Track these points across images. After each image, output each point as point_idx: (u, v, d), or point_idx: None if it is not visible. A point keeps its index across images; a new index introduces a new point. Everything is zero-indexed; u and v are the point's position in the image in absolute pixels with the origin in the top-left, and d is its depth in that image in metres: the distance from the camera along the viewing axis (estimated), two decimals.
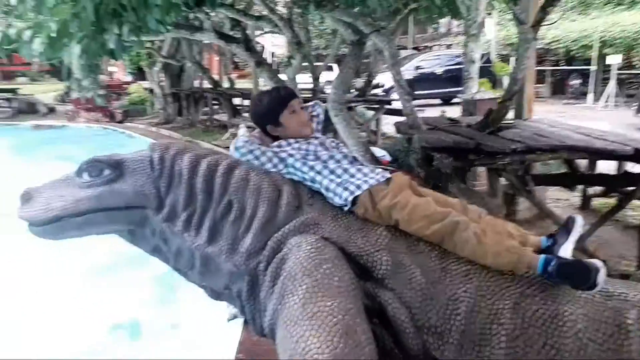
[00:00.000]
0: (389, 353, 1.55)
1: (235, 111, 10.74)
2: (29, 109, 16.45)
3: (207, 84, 12.77)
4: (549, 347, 1.42)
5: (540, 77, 16.04)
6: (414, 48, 21.07)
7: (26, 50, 3.74)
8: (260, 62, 5.43)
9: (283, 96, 1.90)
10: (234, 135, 8.25)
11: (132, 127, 12.88)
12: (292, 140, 1.84)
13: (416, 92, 14.89)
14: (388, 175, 1.74)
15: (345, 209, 1.68)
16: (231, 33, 5.84)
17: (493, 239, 1.56)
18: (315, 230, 1.63)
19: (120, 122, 13.86)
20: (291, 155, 1.78)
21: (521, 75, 3.26)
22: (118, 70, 20.59)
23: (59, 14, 3.33)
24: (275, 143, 1.85)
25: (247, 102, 10.32)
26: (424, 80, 15.21)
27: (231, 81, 12.87)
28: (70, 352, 3.07)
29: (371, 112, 8.72)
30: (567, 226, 1.65)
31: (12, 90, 17.37)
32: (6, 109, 16.42)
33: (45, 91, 19.07)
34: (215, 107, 12.42)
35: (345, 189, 1.67)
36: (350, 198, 1.65)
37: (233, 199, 1.74)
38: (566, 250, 1.57)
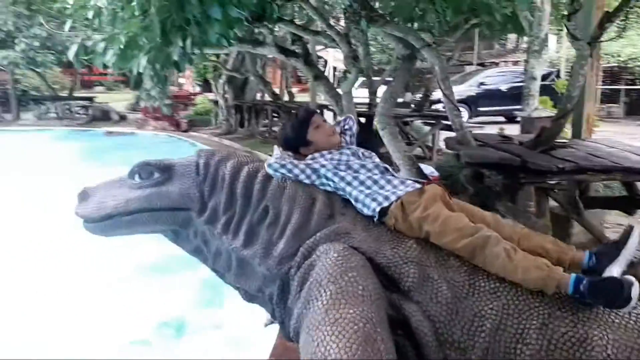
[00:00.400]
0: None
1: None
2: (103, 116, 17.63)
3: (268, 97, 13.11)
4: None
5: (614, 97, 15.29)
6: (479, 64, 20.58)
7: (99, 61, 4.06)
8: (318, 76, 5.54)
9: (303, 117, 1.98)
10: None
11: (196, 136, 13.40)
12: (325, 152, 1.88)
13: (479, 109, 14.62)
14: (418, 185, 1.75)
15: (374, 220, 1.70)
16: (292, 47, 5.99)
17: (523, 255, 1.53)
18: (346, 239, 1.65)
19: (185, 131, 14.43)
20: (323, 166, 1.82)
21: (575, 93, 3.14)
22: (186, 82, 21.59)
23: (129, 27, 3.61)
24: (309, 156, 1.90)
25: None
26: (488, 96, 14.77)
27: (291, 94, 13.16)
28: (116, 345, 3.24)
29: (428, 128, 8.62)
30: (618, 243, 1.57)
31: (89, 99, 18.70)
32: (82, 115, 17.76)
33: (119, 100, 20.27)
34: (275, 119, 12.71)
35: (374, 200, 1.70)
36: (378, 209, 1.67)
37: (269, 205, 1.81)
38: (611, 273, 1.50)
